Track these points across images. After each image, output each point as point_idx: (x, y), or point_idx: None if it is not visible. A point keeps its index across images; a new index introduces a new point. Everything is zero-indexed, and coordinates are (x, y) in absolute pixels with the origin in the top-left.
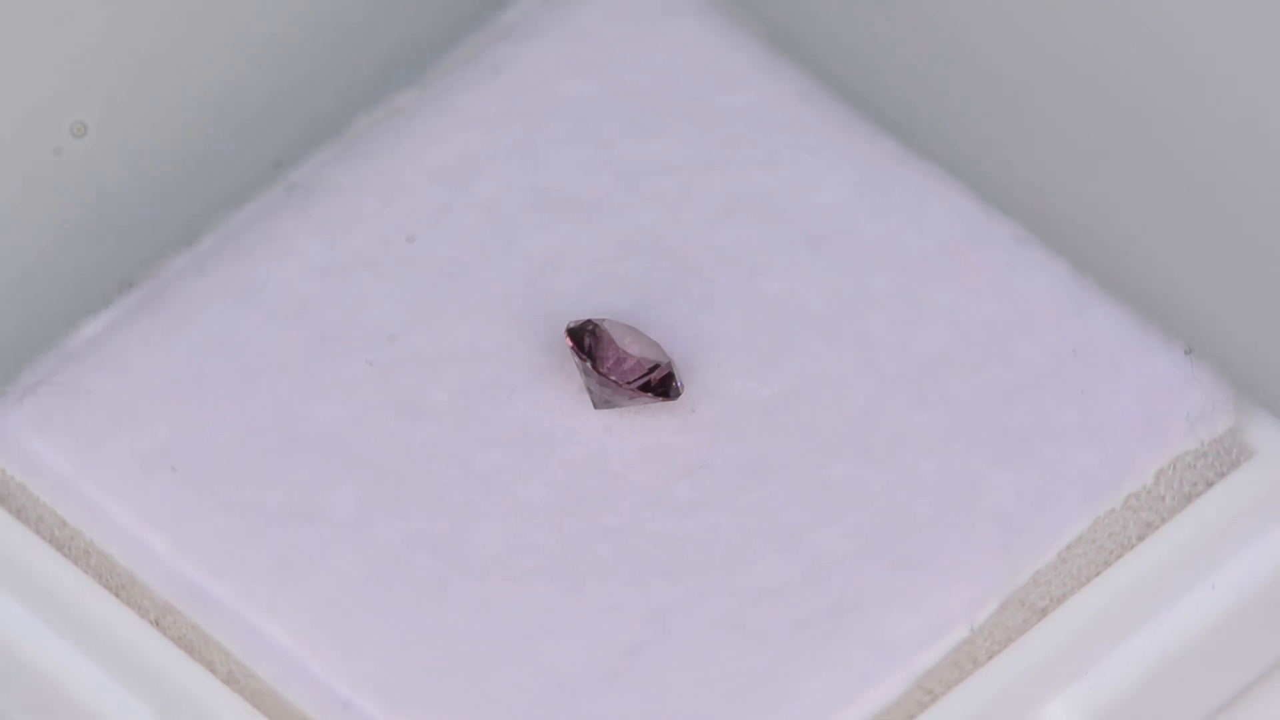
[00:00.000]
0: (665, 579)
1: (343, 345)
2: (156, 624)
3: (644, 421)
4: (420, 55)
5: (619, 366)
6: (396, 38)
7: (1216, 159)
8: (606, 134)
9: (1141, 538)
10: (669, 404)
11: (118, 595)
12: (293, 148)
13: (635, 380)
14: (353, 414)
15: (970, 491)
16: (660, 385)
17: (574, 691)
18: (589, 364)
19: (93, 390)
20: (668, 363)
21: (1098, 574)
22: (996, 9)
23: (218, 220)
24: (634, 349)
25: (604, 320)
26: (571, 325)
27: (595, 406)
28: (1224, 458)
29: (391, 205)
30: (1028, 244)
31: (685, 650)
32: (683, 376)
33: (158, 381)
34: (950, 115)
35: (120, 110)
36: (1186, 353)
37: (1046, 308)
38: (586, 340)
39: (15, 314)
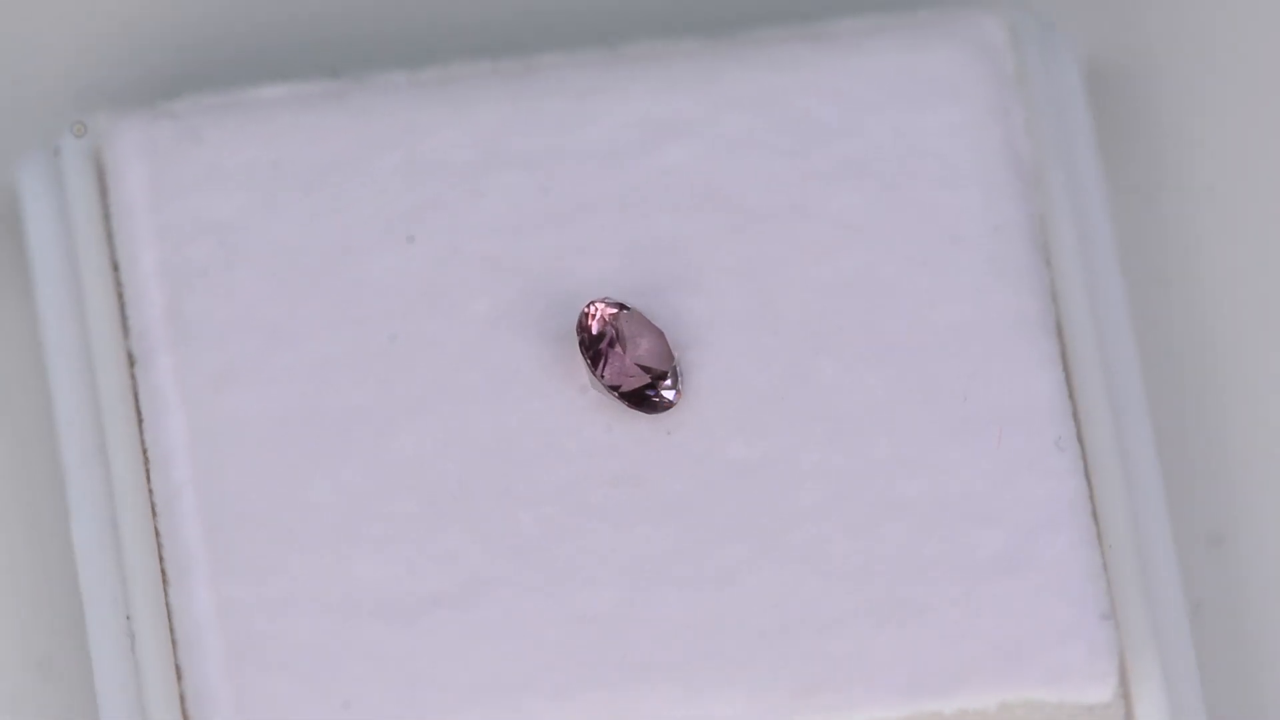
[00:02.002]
0: (510, 559)
1: (432, 226)
2: (131, 371)
3: (617, 418)
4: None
5: (600, 358)
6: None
7: None
8: (809, 166)
9: None
10: (651, 415)
11: (123, 325)
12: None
13: (612, 378)
14: (394, 287)
15: (817, 629)
16: (632, 396)
17: (371, 611)
18: (579, 342)
19: (206, 142)
20: (661, 380)
21: None
22: None
23: (458, 60)
24: (636, 350)
25: (629, 313)
26: (591, 302)
27: (591, 386)
28: None
29: (578, 131)
30: (1063, 451)
31: (476, 627)
32: (685, 399)
33: (267, 167)
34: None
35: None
36: (1103, 617)
37: (1028, 516)
38: (594, 322)
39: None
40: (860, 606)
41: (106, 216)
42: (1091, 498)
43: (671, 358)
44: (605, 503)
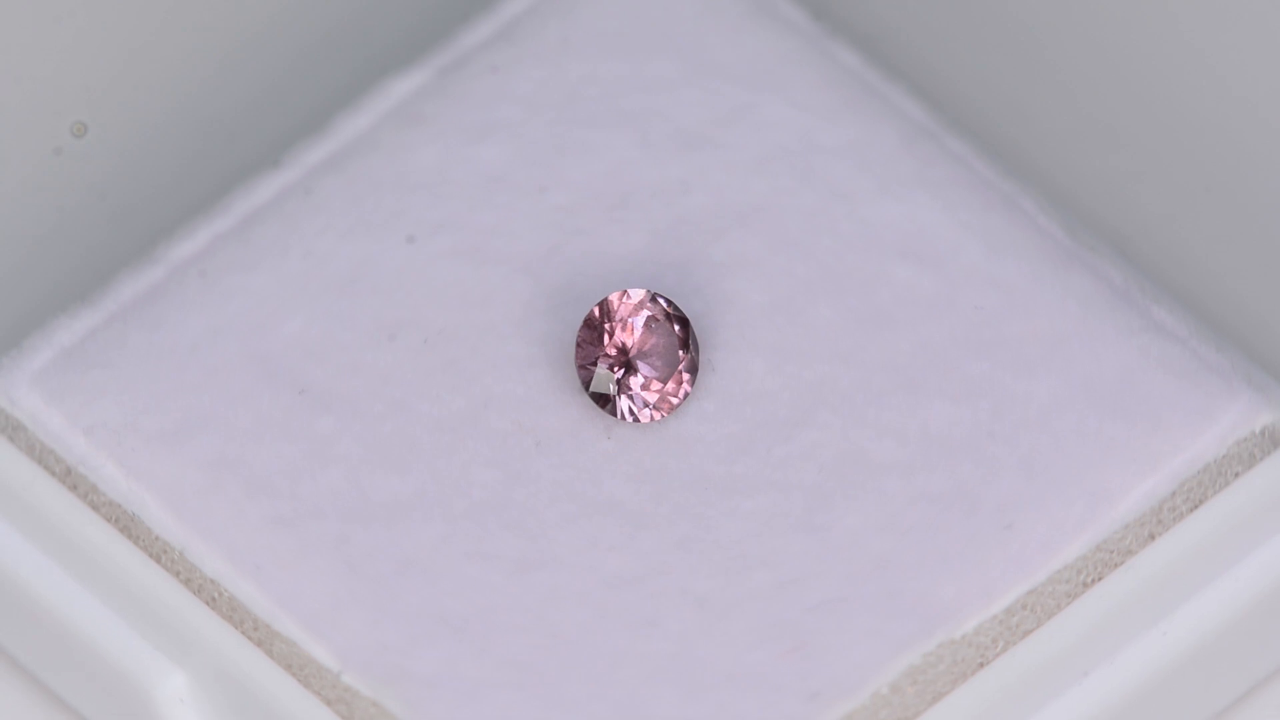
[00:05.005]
0: (381, 436)
1: (662, 153)
2: None
3: (586, 410)
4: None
5: (587, 340)
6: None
7: None
8: (966, 348)
9: None
10: (617, 420)
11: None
12: None
13: (582, 363)
14: (569, 191)
15: (549, 668)
16: (594, 391)
17: (270, 372)
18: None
19: None
20: (642, 393)
21: None
22: None
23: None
24: (632, 345)
25: (657, 321)
26: (622, 290)
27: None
28: None
29: (851, 180)
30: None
31: (304, 456)
32: (654, 428)
33: (618, 33)
34: None
35: (120, 110)
36: None
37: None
38: (616, 297)
39: (13, 308)
40: (594, 676)
41: None
42: None
43: (664, 377)
44: (504, 446)
